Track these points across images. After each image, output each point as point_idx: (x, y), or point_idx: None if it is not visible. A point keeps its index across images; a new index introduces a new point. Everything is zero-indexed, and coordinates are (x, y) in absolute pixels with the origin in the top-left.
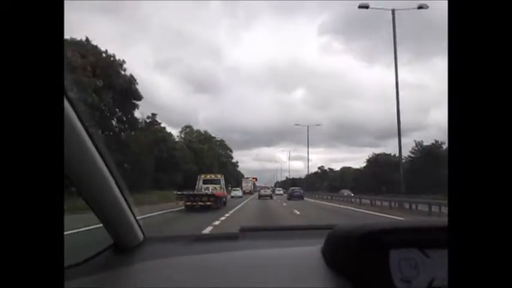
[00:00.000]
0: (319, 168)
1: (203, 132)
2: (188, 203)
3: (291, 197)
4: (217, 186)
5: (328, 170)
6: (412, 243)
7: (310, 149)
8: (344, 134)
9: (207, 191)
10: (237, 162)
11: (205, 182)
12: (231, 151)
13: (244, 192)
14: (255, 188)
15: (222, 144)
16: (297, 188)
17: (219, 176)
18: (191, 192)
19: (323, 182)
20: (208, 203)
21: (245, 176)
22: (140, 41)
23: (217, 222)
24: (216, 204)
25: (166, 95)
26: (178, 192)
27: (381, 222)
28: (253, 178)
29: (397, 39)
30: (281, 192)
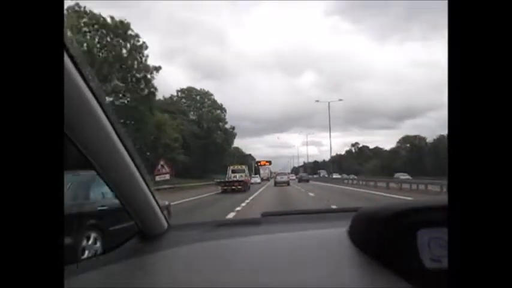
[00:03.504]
0: (353, 145)
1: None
2: (225, 187)
3: (300, 180)
4: (242, 174)
5: (362, 147)
6: (441, 222)
7: (324, 133)
8: (358, 117)
9: (235, 178)
10: (233, 128)
11: (233, 171)
12: (224, 111)
13: (262, 179)
14: (271, 175)
15: (206, 96)
16: (304, 174)
17: (243, 166)
18: (226, 180)
19: (367, 162)
20: (239, 187)
21: (256, 160)
22: (144, 31)
23: (247, 200)
24: (244, 188)
25: (175, 83)
26: (218, 180)
27: (408, 202)
28: (267, 162)
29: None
30: (293, 177)
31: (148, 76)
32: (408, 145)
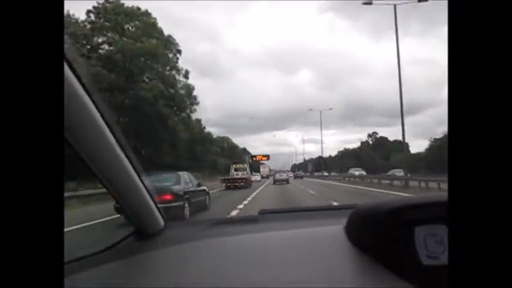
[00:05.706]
0: (370, 135)
1: None
2: (228, 184)
3: (295, 177)
4: (244, 172)
5: (381, 137)
6: (437, 218)
7: (323, 131)
8: (354, 114)
9: (237, 176)
10: (186, 75)
11: (236, 169)
12: (173, 47)
13: (262, 177)
14: (270, 172)
15: (138, 16)
16: (299, 172)
17: (245, 165)
18: (229, 177)
19: (391, 156)
20: (242, 184)
21: (251, 154)
22: None
23: (252, 195)
24: (246, 185)
25: None
26: (223, 178)
27: (403, 199)
28: (264, 156)
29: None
30: (291, 175)
31: None
32: None
